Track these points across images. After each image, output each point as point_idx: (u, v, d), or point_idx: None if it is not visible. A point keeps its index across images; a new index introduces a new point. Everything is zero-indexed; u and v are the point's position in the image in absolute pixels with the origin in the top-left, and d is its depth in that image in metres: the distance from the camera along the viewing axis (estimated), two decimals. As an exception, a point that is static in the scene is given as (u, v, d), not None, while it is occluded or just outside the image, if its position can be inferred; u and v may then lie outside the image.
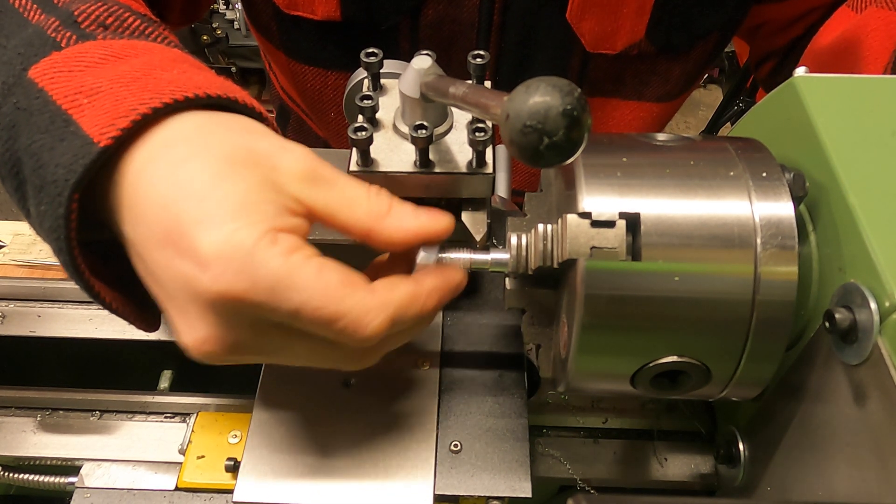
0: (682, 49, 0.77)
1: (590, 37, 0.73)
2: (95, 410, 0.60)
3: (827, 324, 0.39)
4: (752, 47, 0.89)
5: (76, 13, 0.43)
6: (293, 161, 0.39)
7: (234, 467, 0.52)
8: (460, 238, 0.52)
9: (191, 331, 0.37)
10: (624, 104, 0.82)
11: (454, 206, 0.52)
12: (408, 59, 0.47)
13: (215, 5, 2.39)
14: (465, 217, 0.51)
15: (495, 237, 0.57)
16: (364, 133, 0.46)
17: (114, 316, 0.43)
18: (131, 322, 0.44)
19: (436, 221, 0.42)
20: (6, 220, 0.93)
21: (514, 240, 0.45)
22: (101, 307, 0.42)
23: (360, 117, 0.50)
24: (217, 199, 0.35)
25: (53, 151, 0.37)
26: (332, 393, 0.54)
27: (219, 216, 0.35)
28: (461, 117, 0.51)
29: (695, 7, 0.72)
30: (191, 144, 0.37)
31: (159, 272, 0.37)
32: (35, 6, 0.44)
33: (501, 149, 0.69)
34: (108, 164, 0.38)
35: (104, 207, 0.40)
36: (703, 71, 0.84)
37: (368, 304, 0.37)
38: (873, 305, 0.36)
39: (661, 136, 0.46)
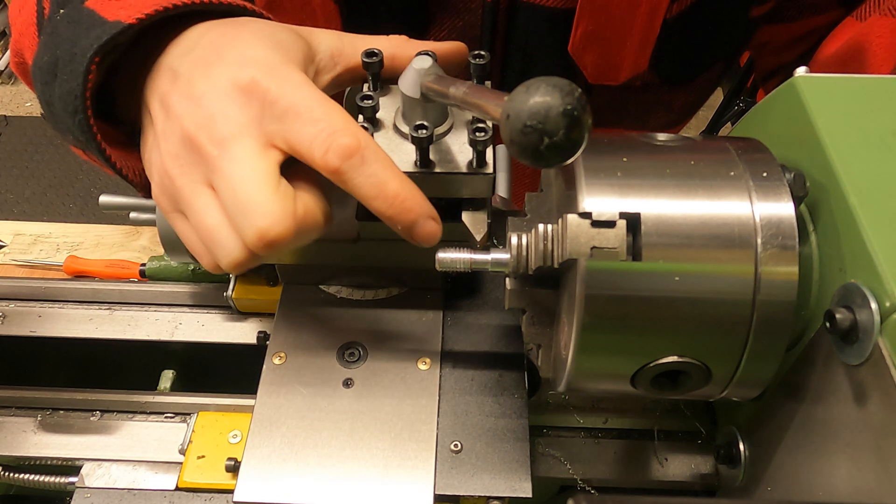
0: (686, 79, 0.76)
1: (592, 69, 0.72)
2: (96, 410, 0.60)
3: (827, 324, 0.39)
4: (759, 63, 0.88)
5: None
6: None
7: (234, 467, 0.52)
8: (460, 238, 0.52)
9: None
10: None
11: (454, 206, 0.52)
12: None
13: None
14: (466, 217, 0.51)
15: (495, 237, 0.57)
16: (364, 133, 0.46)
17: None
18: (133, 180, 0.51)
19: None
20: (6, 220, 0.94)
21: (514, 240, 0.45)
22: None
23: (361, 117, 0.50)
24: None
25: (89, 34, 0.44)
26: (332, 393, 0.54)
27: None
28: (462, 117, 0.51)
29: (699, 40, 0.72)
30: (235, 25, 0.46)
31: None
32: None
33: (502, 149, 0.69)
34: (142, 45, 0.46)
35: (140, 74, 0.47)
36: (705, 97, 0.84)
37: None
38: (874, 305, 0.36)
39: (661, 137, 0.46)
